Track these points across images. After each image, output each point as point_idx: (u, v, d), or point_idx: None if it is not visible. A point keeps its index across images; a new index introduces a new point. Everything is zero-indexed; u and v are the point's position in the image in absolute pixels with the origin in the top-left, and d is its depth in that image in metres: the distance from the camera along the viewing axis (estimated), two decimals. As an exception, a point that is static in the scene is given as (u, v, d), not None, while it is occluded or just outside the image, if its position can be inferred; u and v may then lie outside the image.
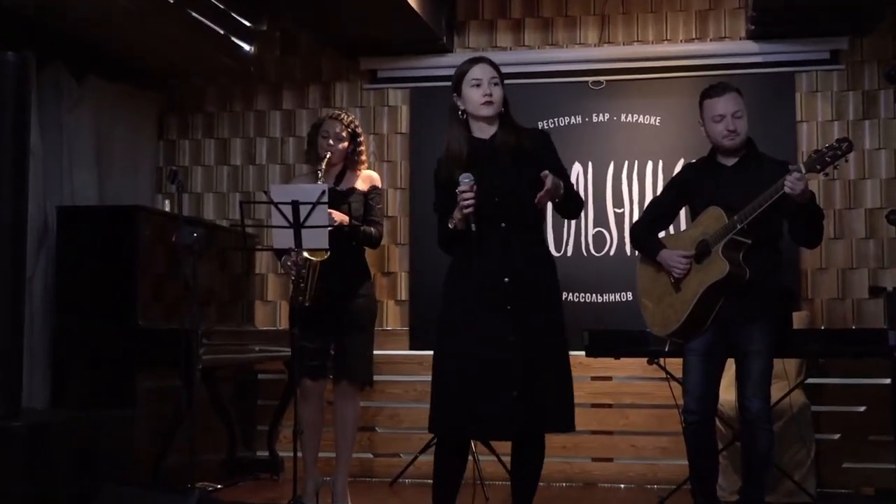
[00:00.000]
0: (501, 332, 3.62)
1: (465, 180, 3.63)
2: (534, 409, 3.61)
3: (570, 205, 3.87)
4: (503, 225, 3.71)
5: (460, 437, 3.75)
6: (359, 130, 5.05)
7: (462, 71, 3.83)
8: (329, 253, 4.60)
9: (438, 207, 3.85)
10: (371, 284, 5.03)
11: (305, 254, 4.60)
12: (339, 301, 4.82)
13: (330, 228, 4.51)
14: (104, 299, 5.09)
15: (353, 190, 4.96)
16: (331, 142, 4.93)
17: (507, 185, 3.71)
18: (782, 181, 3.84)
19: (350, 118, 5.06)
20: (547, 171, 3.64)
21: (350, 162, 5.00)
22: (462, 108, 3.80)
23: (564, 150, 6.08)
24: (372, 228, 4.95)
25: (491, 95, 3.76)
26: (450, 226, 3.72)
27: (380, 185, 5.04)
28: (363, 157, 5.06)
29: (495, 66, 3.83)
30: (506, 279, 3.67)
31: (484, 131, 3.83)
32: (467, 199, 3.62)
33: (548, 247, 3.96)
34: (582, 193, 6.16)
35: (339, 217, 4.72)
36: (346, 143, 4.97)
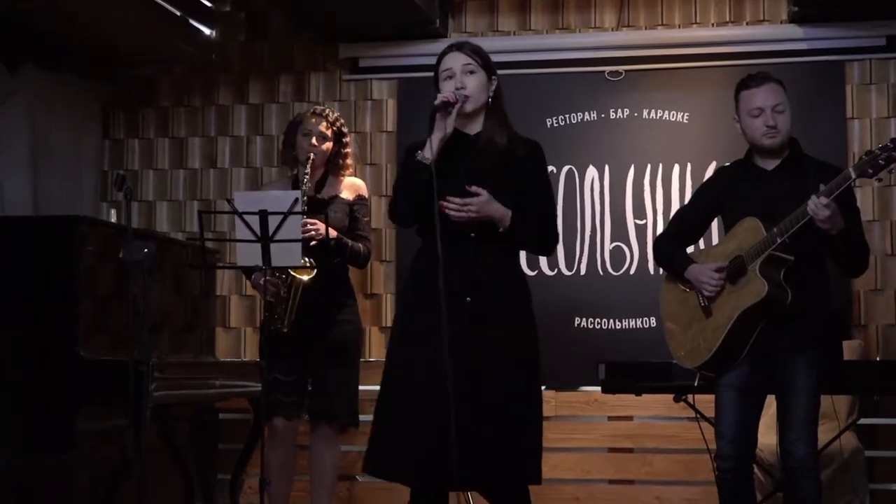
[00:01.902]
0: (454, 359, 3.54)
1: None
2: (487, 453, 3.58)
3: (528, 237, 3.83)
4: (472, 235, 3.72)
5: (395, 480, 3.76)
6: (345, 130, 5.10)
7: (437, 62, 3.89)
8: (316, 270, 4.63)
9: (397, 183, 3.88)
10: (356, 309, 5.03)
11: (291, 271, 4.63)
12: (318, 328, 4.81)
13: (313, 243, 4.52)
14: (39, 326, 5.06)
15: (335, 198, 4.97)
16: (314, 141, 4.94)
17: (483, 188, 3.71)
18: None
19: (335, 115, 5.10)
20: (480, 191, 3.64)
21: (333, 166, 5.03)
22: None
23: (577, 151, 6.21)
24: (360, 244, 4.96)
25: (465, 87, 3.77)
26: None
27: (367, 195, 5.07)
28: (348, 161, 5.09)
29: (473, 51, 3.84)
30: (468, 298, 3.67)
31: (468, 127, 3.84)
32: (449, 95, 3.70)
33: (522, 270, 3.96)
34: (597, 201, 6.18)
35: (329, 231, 4.73)
36: (330, 144, 4.99)
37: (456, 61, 3.82)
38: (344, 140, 5.07)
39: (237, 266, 4.72)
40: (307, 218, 4.73)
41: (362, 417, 5.90)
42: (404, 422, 3.64)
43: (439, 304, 3.51)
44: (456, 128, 3.78)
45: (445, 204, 3.61)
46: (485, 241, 3.72)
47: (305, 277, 4.78)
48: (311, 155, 4.94)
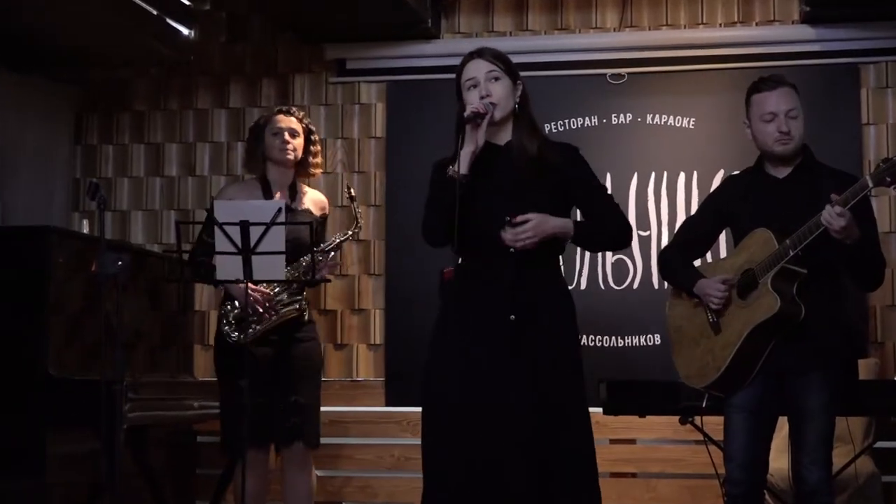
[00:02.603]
0: (503, 383, 3.60)
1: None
2: (551, 487, 3.61)
3: (599, 239, 3.92)
4: (512, 250, 3.72)
5: None
6: (313, 128, 5.09)
7: (458, 72, 3.89)
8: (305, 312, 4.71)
9: (428, 202, 3.87)
10: (315, 326, 5.06)
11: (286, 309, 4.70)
12: (278, 346, 4.83)
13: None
14: (6, 343, 5.05)
15: (307, 213, 4.98)
16: (287, 137, 4.94)
17: (522, 201, 3.72)
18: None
19: (302, 114, 5.10)
20: (529, 216, 3.66)
21: (302, 168, 5.02)
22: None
23: (577, 159, 6.19)
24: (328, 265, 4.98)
25: (490, 95, 3.78)
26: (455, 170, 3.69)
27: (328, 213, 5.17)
28: (318, 160, 5.08)
29: (495, 56, 3.85)
30: (511, 317, 3.68)
31: (497, 137, 3.85)
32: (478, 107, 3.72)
33: (566, 285, 3.96)
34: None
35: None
36: (301, 142, 5.00)
37: (479, 69, 3.82)
38: (312, 138, 5.06)
39: (216, 280, 4.70)
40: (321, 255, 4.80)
41: (351, 440, 5.93)
42: (461, 449, 3.63)
43: (485, 323, 3.61)
44: (489, 140, 3.81)
45: (503, 236, 3.66)
46: (527, 258, 3.72)
47: (306, 314, 4.88)
48: (289, 154, 4.93)
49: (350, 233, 5.08)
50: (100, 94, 6.75)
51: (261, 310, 4.79)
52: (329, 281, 5.32)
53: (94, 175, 6.64)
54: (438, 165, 3.88)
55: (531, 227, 3.67)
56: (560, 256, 3.95)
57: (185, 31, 6.04)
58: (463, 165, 3.69)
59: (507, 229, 3.67)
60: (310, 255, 4.73)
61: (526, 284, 3.72)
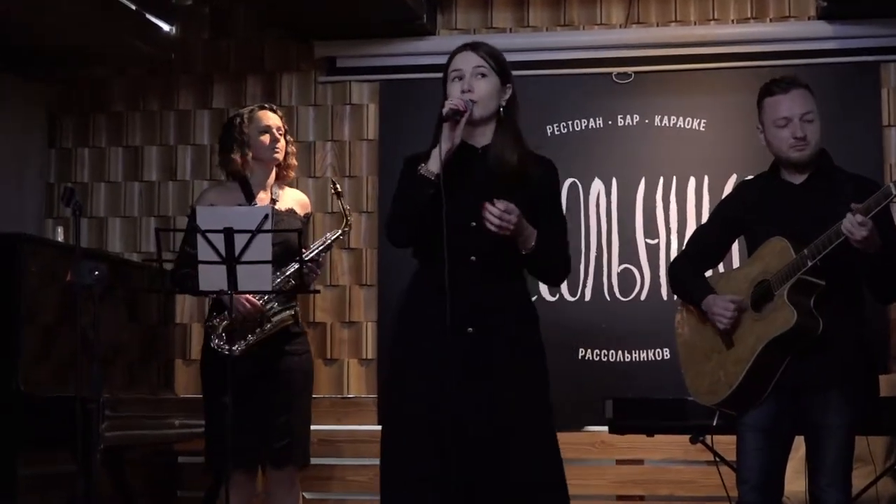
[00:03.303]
0: (460, 402, 3.58)
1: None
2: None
3: (548, 263, 3.86)
4: (473, 259, 3.71)
5: None
6: (286, 128, 5.09)
7: (447, 62, 3.88)
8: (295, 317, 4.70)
9: (395, 198, 3.86)
10: (306, 338, 5.05)
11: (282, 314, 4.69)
12: (267, 360, 4.82)
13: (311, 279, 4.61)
14: (-25, 357, 5.05)
15: (291, 213, 4.97)
16: (276, 134, 4.94)
17: None
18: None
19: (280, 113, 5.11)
20: (511, 204, 3.62)
21: (283, 168, 5.03)
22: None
23: (581, 163, 6.21)
24: (317, 270, 4.97)
25: (472, 91, 3.77)
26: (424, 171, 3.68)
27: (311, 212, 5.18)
28: (295, 162, 5.09)
29: (488, 53, 3.84)
30: (469, 329, 3.67)
31: (474, 138, 3.83)
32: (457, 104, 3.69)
33: (530, 297, 3.95)
34: (604, 219, 6.18)
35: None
36: (284, 142, 5.00)
37: (467, 62, 3.82)
38: (289, 138, 5.07)
39: (199, 291, 4.70)
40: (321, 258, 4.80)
41: (342, 461, 5.93)
42: (415, 463, 3.64)
43: (442, 335, 3.57)
44: (466, 141, 3.80)
45: (489, 207, 3.59)
46: (488, 268, 3.71)
47: (297, 326, 4.86)
48: (279, 153, 4.94)
49: (340, 231, 5.04)
50: (75, 94, 6.75)
51: (250, 321, 4.77)
52: (318, 291, 5.30)
53: (69, 180, 6.64)
54: (410, 160, 3.86)
55: (517, 212, 3.62)
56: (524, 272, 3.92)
57: (165, 26, 6.03)
58: (434, 164, 3.67)
59: (492, 205, 3.60)
60: (299, 260, 4.71)
61: (487, 295, 3.71)
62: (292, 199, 5.05)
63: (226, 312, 4.75)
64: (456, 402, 3.58)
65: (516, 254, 3.75)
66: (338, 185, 5.11)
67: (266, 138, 4.94)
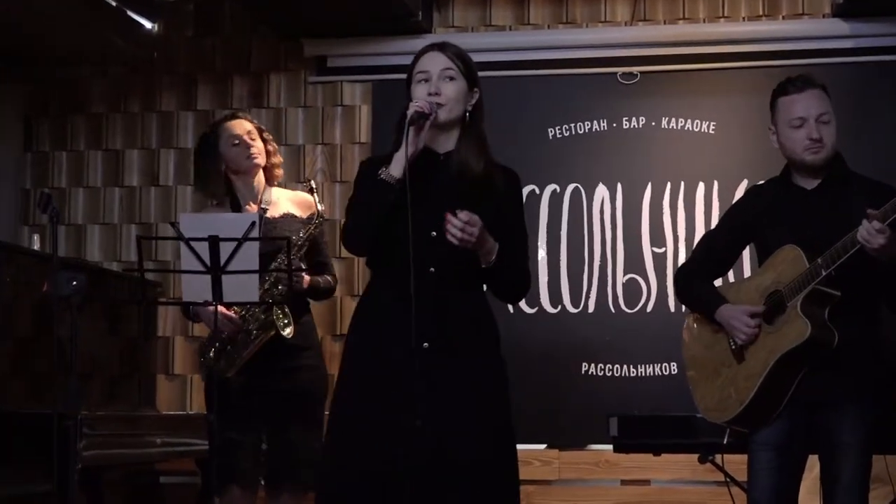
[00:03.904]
0: (407, 416, 3.54)
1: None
2: None
3: (509, 277, 3.83)
4: (432, 270, 3.70)
5: None
6: (262, 126, 5.06)
7: (412, 62, 3.87)
8: (291, 330, 4.66)
9: (354, 202, 3.84)
10: (319, 353, 5.01)
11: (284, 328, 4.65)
12: (276, 375, 4.79)
13: (297, 289, 4.55)
14: (-54, 372, 5.05)
15: (288, 217, 4.93)
16: (248, 140, 4.90)
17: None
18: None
19: (248, 115, 5.08)
20: (474, 215, 3.59)
21: (268, 170, 5.00)
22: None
23: (585, 167, 6.22)
24: (329, 277, 4.94)
25: (439, 94, 3.77)
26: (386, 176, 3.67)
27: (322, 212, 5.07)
28: (279, 160, 5.06)
29: (456, 54, 3.81)
30: (425, 344, 3.64)
31: (437, 143, 3.82)
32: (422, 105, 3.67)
33: (490, 310, 3.89)
34: (608, 226, 6.19)
35: (306, 279, 4.75)
36: (261, 143, 4.97)
37: (434, 63, 3.81)
38: (266, 136, 5.03)
39: (183, 302, 4.69)
40: (295, 261, 4.72)
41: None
42: (353, 487, 3.62)
43: (395, 349, 3.56)
44: (429, 145, 3.78)
45: (451, 219, 3.56)
46: (447, 278, 3.71)
47: (289, 331, 4.77)
48: (257, 158, 4.90)
49: (312, 225, 4.95)
50: (52, 95, 6.76)
51: (229, 332, 4.74)
52: (317, 295, 5.20)
53: (45, 185, 6.64)
54: (370, 163, 3.85)
55: (479, 224, 3.59)
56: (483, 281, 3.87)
57: (147, 23, 6.05)
58: (397, 168, 3.65)
59: (458, 216, 3.57)
60: (282, 267, 4.69)
61: (445, 308, 3.69)
62: (290, 202, 4.99)
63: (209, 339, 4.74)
64: (405, 428, 3.55)
65: (477, 266, 3.73)
66: (312, 182, 5.00)
67: (241, 148, 4.90)
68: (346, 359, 3.83)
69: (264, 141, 4.99)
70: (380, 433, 3.59)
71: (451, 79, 3.78)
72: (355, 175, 3.87)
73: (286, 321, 4.75)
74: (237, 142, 4.89)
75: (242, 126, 4.92)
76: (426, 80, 3.78)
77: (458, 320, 3.71)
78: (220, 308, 4.61)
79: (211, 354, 4.75)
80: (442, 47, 3.84)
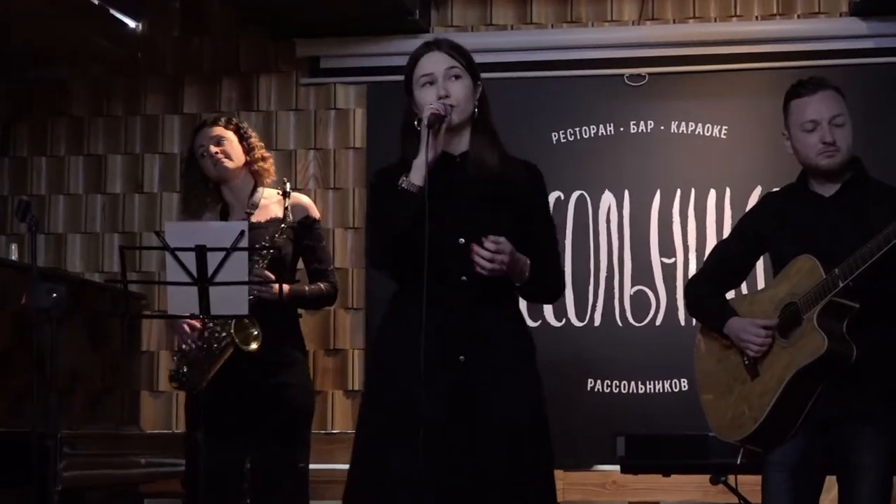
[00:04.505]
0: (445, 434, 3.58)
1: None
2: None
3: (544, 285, 3.85)
4: (464, 279, 3.72)
5: None
6: (243, 125, 5.04)
7: (410, 65, 3.86)
8: (257, 344, 4.63)
9: (375, 216, 3.86)
10: (306, 367, 5.00)
11: (237, 339, 4.61)
12: (258, 391, 4.78)
13: (264, 297, 4.51)
14: (-81, 388, 5.05)
15: (275, 222, 4.91)
16: (213, 149, 4.89)
17: (477, 223, 3.71)
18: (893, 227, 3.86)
19: (225, 118, 5.06)
20: (502, 239, 3.62)
21: (254, 168, 4.98)
22: (420, 116, 3.81)
23: (590, 173, 6.22)
24: (321, 284, 4.92)
25: (449, 95, 3.78)
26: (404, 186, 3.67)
27: (318, 216, 5.03)
28: (264, 154, 5.03)
29: (454, 49, 3.83)
30: (461, 357, 3.67)
31: (451, 145, 3.84)
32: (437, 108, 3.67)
33: (525, 324, 3.93)
34: (615, 235, 6.19)
35: (283, 289, 4.71)
36: (236, 143, 4.94)
37: (437, 64, 3.80)
38: (243, 132, 5.01)
39: (168, 315, 4.70)
40: (258, 269, 4.68)
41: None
42: None
43: (430, 364, 3.53)
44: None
45: (478, 251, 3.59)
46: (478, 286, 3.72)
47: (254, 346, 4.73)
48: (224, 162, 4.89)
49: (277, 231, 4.90)
50: (31, 98, 6.76)
51: (188, 346, 4.74)
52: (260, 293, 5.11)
53: (24, 192, 6.64)
54: (383, 173, 3.86)
55: (508, 248, 3.61)
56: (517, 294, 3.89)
57: (131, 22, 6.05)
58: (418, 176, 3.66)
59: (485, 247, 3.59)
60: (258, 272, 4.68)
61: (481, 320, 3.70)
62: (279, 206, 4.96)
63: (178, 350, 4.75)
64: (446, 443, 3.57)
65: (507, 279, 3.74)
66: (287, 186, 4.91)
67: (206, 159, 4.90)
68: (374, 376, 3.85)
69: (243, 139, 4.98)
70: (411, 449, 3.56)
71: (458, 77, 3.79)
72: (369, 188, 3.87)
73: (253, 333, 4.71)
74: (202, 152, 4.91)
75: (207, 134, 4.93)
76: (431, 83, 3.78)
77: (493, 331, 3.72)
78: (190, 321, 4.63)
79: (184, 369, 4.77)
80: (438, 45, 3.84)
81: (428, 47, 3.85)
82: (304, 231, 4.92)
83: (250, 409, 4.77)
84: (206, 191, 4.95)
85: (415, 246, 3.61)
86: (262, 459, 4.82)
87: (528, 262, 3.72)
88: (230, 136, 4.94)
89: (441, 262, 3.62)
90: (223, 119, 5.03)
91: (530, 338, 3.85)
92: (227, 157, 4.90)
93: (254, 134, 5.06)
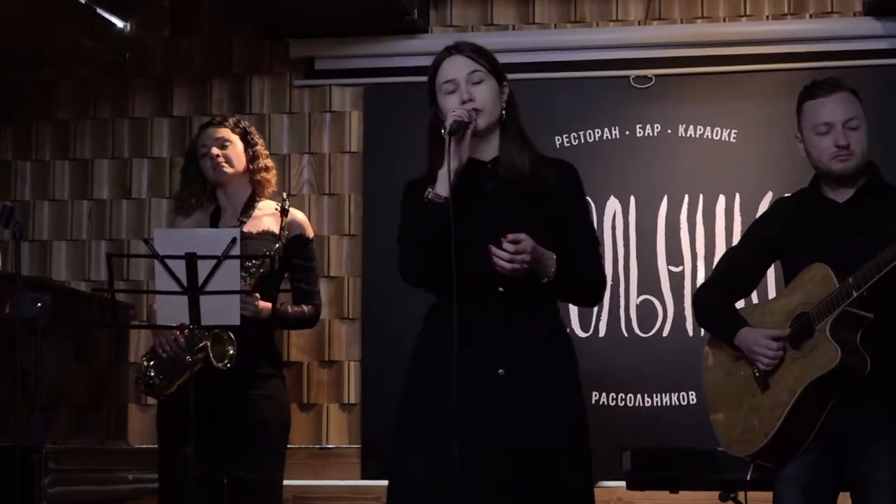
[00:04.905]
0: (484, 449, 3.59)
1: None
2: None
3: (576, 283, 3.82)
4: (501, 290, 3.71)
5: None
6: (251, 129, 5.04)
7: (432, 72, 3.85)
8: (230, 364, 4.63)
9: (405, 232, 3.85)
10: (282, 382, 4.99)
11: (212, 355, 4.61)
12: (231, 404, 4.78)
13: (244, 314, 4.50)
14: None
15: (267, 235, 4.90)
16: (214, 151, 4.89)
17: (512, 231, 3.70)
18: None
19: (234, 119, 5.06)
20: (522, 236, 3.60)
21: (254, 177, 4.97)
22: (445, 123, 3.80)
23: (595, 178, 6.20)
24: (306, 308, 4.91)
25: (473, 99, 3.78)
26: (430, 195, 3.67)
27: (311, 235, 5.03)
28: (267, 163, 5.02)
29: (475, 52, 3.82)
30: (500, 371, 3.66)
31: (480, 151, 3.83)
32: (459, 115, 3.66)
33: (566, 330, 3.94)
34: (621, 243, 6.19)
35: (263, 305, 4.71)
36: (240, 149, 4.94)
37: (458, 69, 3.79)
38: (250, 139, 5.00)
39: (156, 325, 4.69)
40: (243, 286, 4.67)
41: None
42: None
43: (467, 378, 3.55)
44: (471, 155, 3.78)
45: (496, 252, 3.57)
46: (517, 298, 3.71)
47: (226, 363, 4.72)
48: (224, 167, 4.88)
49: (271, 252, 4.90)
50: (14, 99, 6.76)
51: (164, 352, 4.73)
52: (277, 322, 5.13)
53: (7, 197, 6.64)
54: (412, 187, 3.85)
55: (529, 246, 3.60)
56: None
57: (119, 22, 6.06)
58: (443, 187, 3.65)
59: (504, 247, 3.57)
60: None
61: (516, 330, 3.70)
62: (274, 220, 4.96)
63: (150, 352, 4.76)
64: (485, 459, 3.59)
65: (537, 280, 3.73)
66: (287, 203, 4.91)
67: (207, 160, 4.90)
68: (412, 394, 3.83)
69: (248, 145, 4.97)
70: (452, 464, 3.56)
71: (481, 81, 3.78)
72: (400, 202, 3.85)
73: (229, 351, 4.69)
74: (204, 152, 4.90)
75: (212, 134, 4.92)
76: (454, 89, 3.77)
77: (532, 343, 3.71)
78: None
79: (152, 373, 4.77)
80: (458, 48, 3.82)
81: (448, 52, 3.83)
82: (295, 249, 4.92)
83: (227, 421, 4.77)
84: (202, 190, 4.95)
85: (445, 258, 3.60)
86: (238, 472, 4.82)
87: (554, 257, 3.69)
88: (235, 140, 4.94)
89: (475, 273, 3.64)
90: (231, 120, 5.02)
91: (571, 347, 3.84)
92: (228, 162, 4.90)
93: (261, 141, 5.05)
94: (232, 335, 4.66)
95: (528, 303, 3.72)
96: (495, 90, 3.80)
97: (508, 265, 3.58)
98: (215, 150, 4.88)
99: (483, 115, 3.74)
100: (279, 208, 4.87)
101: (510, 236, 3.58)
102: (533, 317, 3.74)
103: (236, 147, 4.93)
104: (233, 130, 4.96)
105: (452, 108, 3.73)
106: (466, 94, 3.75)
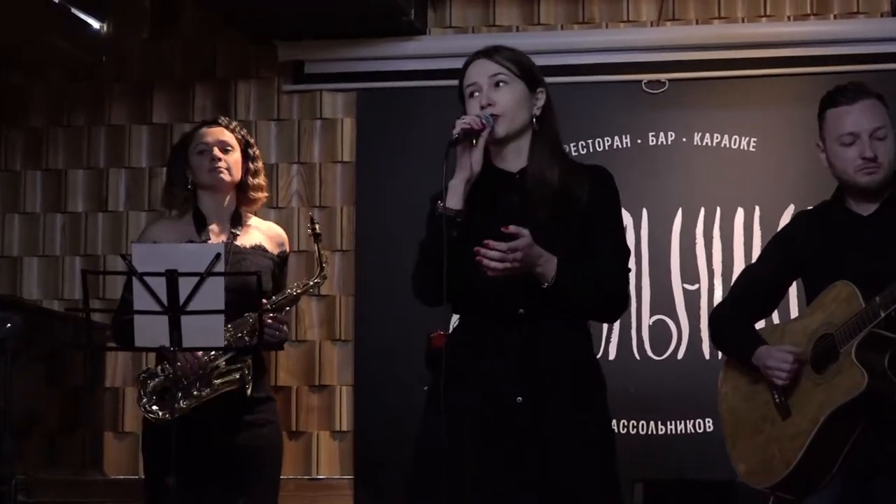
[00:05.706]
0: (507, 482, 3.61)
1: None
2: None
3: (585, 293, 3.77)
4: (522, 311, 3.71)
5: None
6: (251, 140, 5.06)
7: (460, 76, 3.87)
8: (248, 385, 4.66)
9: (419, 246, 3.85)
10: (274, 406, 5.00)
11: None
12: (223, 430, 4.79)
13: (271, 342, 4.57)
14: None
15: (258, 250, 4.93)
16: (216, 153, 4.91)
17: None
18: None
19: (235, 123, 5.08)
20: (522, 230, 3.57)
21: (244, 192, 4.99)
22: None
23: (604, 191, 6.23)
24: (284, 328, 4.94)
25: (493, 104, 3.79)
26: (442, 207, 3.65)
27: (289, 250, 5.09)
28: (262, 181, 5.05)
29: (506, 58, 3.83)
30: (518, 398, 3.67)
31: (508, 161, 3.84)
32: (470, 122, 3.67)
33: (593, 353, 3.90)
34: (632, 259, 6.17)
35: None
36: (238, 157, 4.96)
37: (481, 72, 3.80)
38: (251, 152, 5.03)
39: (134, 348, 4.70)
40: (271, 313, 4.71)
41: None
42: None
43: (487, 405, 3.61)
44: (492, 163, 3.79)
45: (484, 252, 3.54)
46: (540, 318, 3.71)
47: (250, 388, 4.78)
48: (223, 174, 4.89)
49: (311, 283, 4.97)
50: (-16, 106, 6.78)
51: (187, 377, 4.75)
52: (280, 347, 5.22)
53: (-25, 210, 6.66)
54: (433, 201, 3.82)
55: (522, 244, 3.56)
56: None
57: (95, 23, 6.06)
58: (452, 198, 3.65)
59: (493, 245, 3.54)
60: (258, 311, 4.70)
61: (538, 357, 3.70)
62: (263, 234, 4.99)
63: (160, 368, 4.76)
64: (502, 478, 3.61)
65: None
66: (317, 225, 4.97)
67: (206, 159, 4.90)
68: (430, 422, 3.79)
69: (248, 158, 4.99)
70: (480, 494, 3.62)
71: (504, 83, 3.78)
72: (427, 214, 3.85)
73: (250, 374, 4.75)
74: (202, 150, 4.90)
75: (216, 134, 4.94)
76: (476, 93, 3.78)
77: (555, 368, 3.70)
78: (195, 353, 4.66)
79: (150, 389, 4.78)
80: (488, 53, 3.83)
81: (476, 56, 3.85)
82: (278, 266, 4.97)
83: (223, 447, 4.78)
84: (186, 192, 4.96)
85: (463, 276, 3.62)
86: (229, 500, 4.83)
87: (555, 260, 3.65)
88: (236, 147, 4.96)
89: (495, 293, 3.64)
90: (235, 126, 5.04)
91: (599, 371, 3.82)
92: (229, 169, 4.91)
93: (260, 158, 5.07)
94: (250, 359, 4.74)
95: (556, 328, 3.72)
96: (522, 95, 3.79)
97: (500, 265, 3.55)
98: (218, 153, 4.89)
99: (503, 122, 3.74)
100: (314, 233, 4.94)
101: (511, 228, 3.55)
102: (556, 341, 3.73)
103: (236, 155, 4.95)
104: (233, 134, 4.98)
105: (465, 115, 3.74)
106: (485, 99, 3.75)
